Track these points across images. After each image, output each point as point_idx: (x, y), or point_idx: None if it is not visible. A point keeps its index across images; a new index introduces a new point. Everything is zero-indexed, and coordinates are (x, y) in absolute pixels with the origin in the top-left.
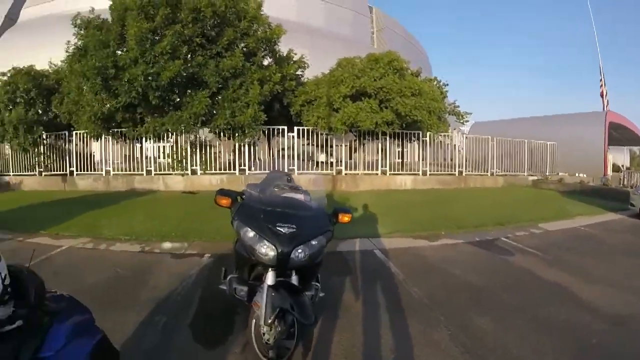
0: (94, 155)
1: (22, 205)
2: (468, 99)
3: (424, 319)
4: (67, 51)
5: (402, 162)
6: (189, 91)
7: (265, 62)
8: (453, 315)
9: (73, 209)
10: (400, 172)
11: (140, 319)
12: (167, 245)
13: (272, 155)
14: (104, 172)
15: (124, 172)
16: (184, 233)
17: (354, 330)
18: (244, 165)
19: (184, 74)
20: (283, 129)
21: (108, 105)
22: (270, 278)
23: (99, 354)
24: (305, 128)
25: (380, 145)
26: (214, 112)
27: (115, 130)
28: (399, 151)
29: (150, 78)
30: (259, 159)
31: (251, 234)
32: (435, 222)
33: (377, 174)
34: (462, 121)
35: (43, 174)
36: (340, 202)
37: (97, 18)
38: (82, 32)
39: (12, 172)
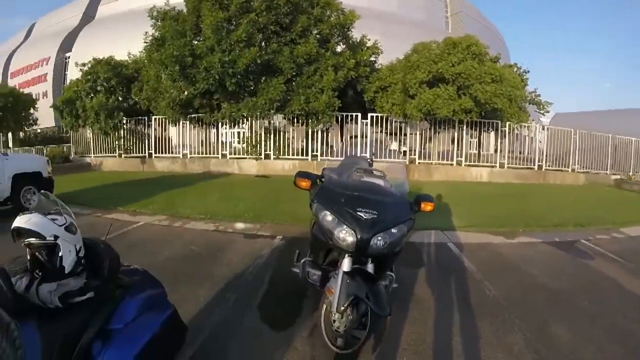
0: (171, 139)
1: (102, 184)
2: (547, 89)
3: (497, 320)
4: (145, 42)
5: (479, 153)
6: (264, 78)
7: (339, 49)
8: (528, 318)
9: (150, 188)
10: (476, 163)
11: (211, 295)
12: (240, 225)
13: (344, 142)
14: (181, 155)
15: (200, 155)
16: (257, 215)
17: (424, 325)
18: (316, 152)
19: (259, 61)
20: (356, 116)
21: (186, 92)
22: (346, 264)
23: (168, 329)
24: (379, 115)
25: (456, 134)
26: (289, 98)
27: (193, 115)
28: (475, 141)
29: (226, 65)
30: (331, 146)
31: (330, 217)
32: (512, 218)
33: (451, 164)
34: (542, 112)
35: (123, 155)
36: (413, 191)
37: (172, 9)
38: (159, 23)
39: (94, 154)
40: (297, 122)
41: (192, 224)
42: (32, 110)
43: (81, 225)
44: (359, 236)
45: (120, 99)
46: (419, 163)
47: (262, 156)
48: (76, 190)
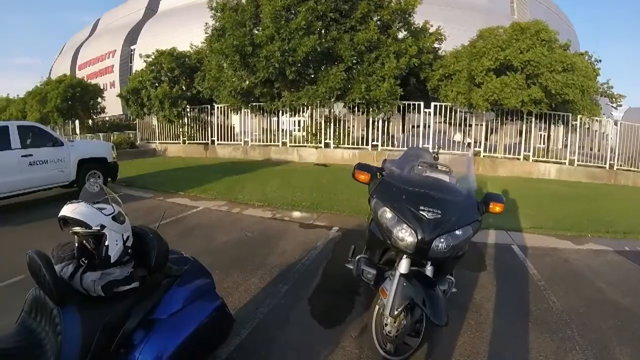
0: (233, 127)
1: (165, 169)
2: (619, 81)
3: (558, 336)
4: (206, 32)
5: (547, 147)
6: (324, 66)
7: (400, 35)
8: (592, 337)
9: (212, 174)
10: (544, 159)
11: (263, 284)
12: (296, 214)
13: (406, 132)
14: (242, 143)
15: (260, 143)
16: (314, 204)
17: (480, 336)
18: (377, 141)
19: (319, 49)
20: (419, 105)
21: (247, 81)
22: (403, 266)
23: (213, 322)
24: (443, 104)
25: (524, 126)
26: (349, 86)
27: (254, 104)
28: (543, 135)
29: (286, 54)
30: (392, 136)
31: (390, 214)
32: (581, 221)
33: (518, 159)
34: (615, 105)
35: (186, 142)
36: (478, 186)
37: (232, 0)
38: (218, 14)
39: (159, 140)
40: (358, 110)
41: (250, 210)
42: (99, 100)
43: (141, 208)
44: (420, 237)
45: (183, 88)
46: (483, 156)
47: (322, 145)
48: (140, 174)
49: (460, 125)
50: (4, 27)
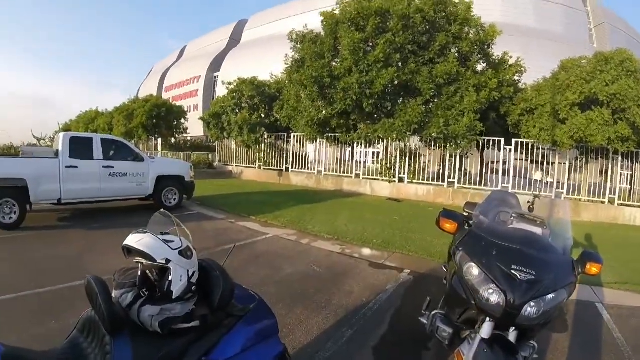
0: (308, 155)
1: (240, 192)
2: None
3: None
4: (285, 63)
5: (631, 189)
6: (402, 99)
7: (480, 68)
8: None
9: (284, 201)
10: (630, 202)
11: (326, 325)
12: (366, 251)
13: (483, 169)
14: (315, 172)
15: (333, 173)
16: (386, 242)
17: None
18: (453, 178)
19: (397, 82)
20: (499, 141)
21: (324, 111)
22: (486, 330)
23: None
24: (524, 141)
25: (609, 165)
26: (427, 120)
27: (330, 134)
28: (628, 174)
29: (364, 86)
30: (469, 172)
31: (477, 271)
32: None
33: (603, 202)
34: None
35: (262, 167)
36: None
37: (311, 32)
38: (298, 46)
39: (235, 163)
40: (434, 144)
41: (319, 242)
42: (182, 120)
43: (213, 229)
44: (510, 300)
45: (262, 115)
46: (565, 198)
47: (396, 179)
48: (216, 194)
49: (540, 162)
50: (98, 48)
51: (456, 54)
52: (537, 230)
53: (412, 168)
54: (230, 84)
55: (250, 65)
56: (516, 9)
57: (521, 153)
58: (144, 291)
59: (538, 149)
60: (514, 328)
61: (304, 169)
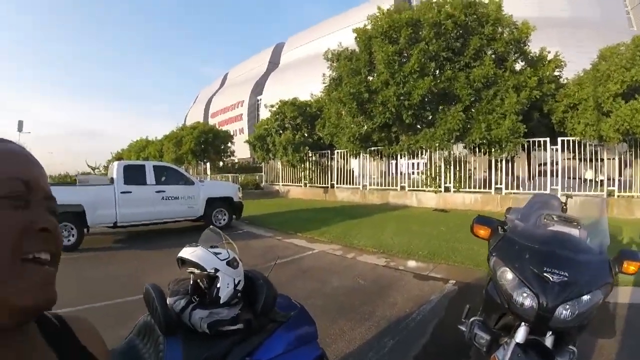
0: (352, 171)
1: (287, 210)
2: None
3: None
4: (323, 82)
5: None
6: (441, 107)
7: (518, 67)
8: None
9: (330, 217)
10: None
11: (369, 335)
12: (412, 263)
13: (532, 172)
14: (361, 186)
15: (379, 187)
16: (431, 253)
17: None
18: (500, 184)
19: (435, 90)
20: (544, 141)
21: (365, 126)
22: (520, 334)
23: None
24: (570, 139)
25: None
26: (468, 126)
27: (372, 148)
28: None
29: (402, 98)
30: (517, 177)
31: (510, 276)
32: None
33: None
34: None
35: (307, 185)
36: (612, 233)
37: (346, 50)
38: (334, 64)
39: (282, 182)
40: (479, 151)
41: (364, 256)
42: (229, 144)
43: (260, 247)
44: (542, 303)
45: (305, 135)
46: (618, 196)
47: (442, 189)
48: (263, 214)
49: (591, 160)
50: (145, 79)
51: (492, 56)
52: (572, 231)
53: (457, 176)
54: (272, 106)
55: (290, 86)
56: (550, 1)
57: (570, 152)
58: (195, 297)
59: (586, 146)
60: (550, 332)
61: (349, 184)
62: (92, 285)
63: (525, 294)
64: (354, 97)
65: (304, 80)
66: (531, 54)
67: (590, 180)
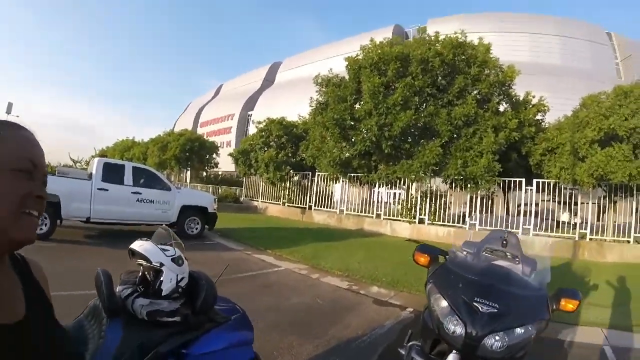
0: (332, 195)
1: (261, 226)
2: None
3: None
4: (310, 105)
5: None
6: (421, 140)
7: (502, 108)
8: None
9: (303, 237)
10: None
11: (316, 352)
12: (374, 289)
13: (509, 211)
14: (338, 210)
15: (355, 213)
16: (395, 280)
17: None
18: (474, 220)
19: (416, 124)
20: (520, 182)
21: (346, 153)
22: None
23: None
24: (547, 181)
25: (634, 203)
26: (446, 161)
27: (352, 174)
28: None
29: (384, 128)
30: (494, 214)
31: (443, 303)
32: None
33: (628, 241)
34: None
35: (286, 204)
36: (579, 274)
37: (336, 77)
38: (323, 89)
39: (261, 199)
40: (456, 186)
41: (329, 278)
42: (214, 155)
43: (230, 259)
44: (470, 332)
45: (289, 154)
46: (590, 239)
47: (416, 220)
48: (238, 227)
49: (566, 203)
50: (137, 81)
51: (477, 96)
52: (514, 267)
53: (432, 209)
54: (260, 123)
55: (281, 105)
56: (542, 47)
57: (548, 194)
58: (140, 287)
59: (565, 189)
60: None
61: (327, 207)
62: (51, 275)
63: (455, 322)
64: (337, 124)
65: (295, 101)
66: (516, 97)
67: (565, 223)
